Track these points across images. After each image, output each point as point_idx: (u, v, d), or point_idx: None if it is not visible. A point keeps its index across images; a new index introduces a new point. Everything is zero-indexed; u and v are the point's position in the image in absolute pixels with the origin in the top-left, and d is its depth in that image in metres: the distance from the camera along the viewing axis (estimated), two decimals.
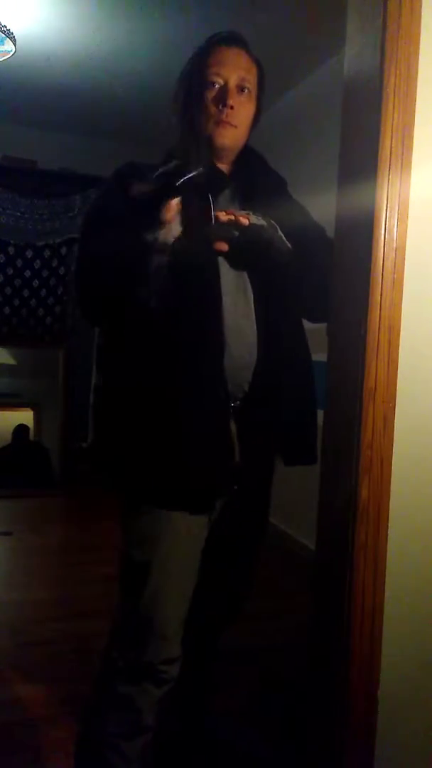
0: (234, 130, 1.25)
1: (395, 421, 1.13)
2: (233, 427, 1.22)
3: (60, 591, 2.74)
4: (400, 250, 1.11)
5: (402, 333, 1.12)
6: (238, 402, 1.21)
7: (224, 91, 1.23)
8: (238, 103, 1.24)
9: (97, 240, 1.23)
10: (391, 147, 1.09)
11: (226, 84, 1.24)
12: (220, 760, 1.59)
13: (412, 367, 1.14)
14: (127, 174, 1.25)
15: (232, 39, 1.28)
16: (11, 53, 2.71)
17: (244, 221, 1.15)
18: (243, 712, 1.84)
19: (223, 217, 1.14)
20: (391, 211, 1.10)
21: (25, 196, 4.22)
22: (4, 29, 2.56)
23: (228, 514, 1.30)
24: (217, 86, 1.24)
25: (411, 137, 1.10)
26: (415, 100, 1.10)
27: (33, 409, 5.94)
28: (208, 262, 1.18)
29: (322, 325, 1.28)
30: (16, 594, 2.73)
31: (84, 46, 3.11)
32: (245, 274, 1.23)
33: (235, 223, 1.14)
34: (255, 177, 1.32)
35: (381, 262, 1.10)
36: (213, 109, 1.23)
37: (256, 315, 1.23)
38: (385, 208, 1.09)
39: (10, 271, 4.28)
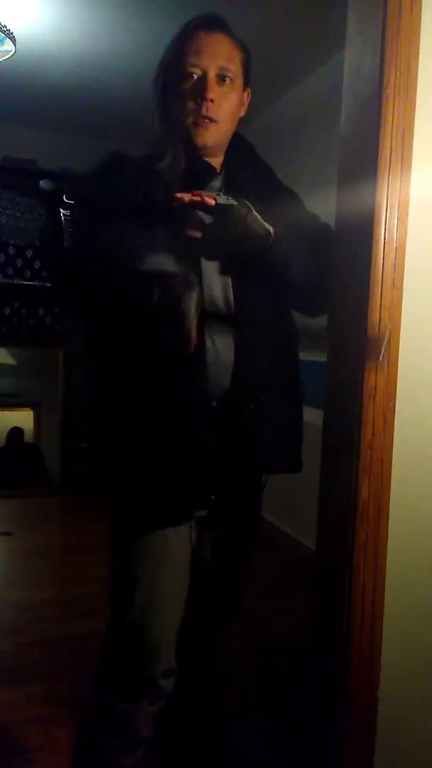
0: (215, 126, 1.14)
1: (395, 421, 1.13)
2: (209, 433, 1.17)
3: (60, 591, 2.74)
4: (400, 250, 1.11)
5: (402, 333, 1.12)
6: (214, 403, 1.16)
7: (203, 82, 1.12)
8: (219, 95, 1.12)
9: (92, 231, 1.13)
10: (391, 147, 1.09)
11: (204, 74, 1.12)
12: (220, 760, 1.59)
13: (412, 367, 1.14)
14: (116, 167, 1.19)
15: (211, 22, 1.15)
16: (11, 53, 2.71)
17: (210, 201, 1.06)
18: (243, 712, 1.84)
19: (186, 197, 1.04)
20: (391, 211, 1.10)
21: (25, 196, 4.22)
22: (4, 29, 2.56)
23: (218, 519, 1.27)
24: (195, 77, 1.12)
25: (411, 137, 1.10)
26: (415, 100, 1.10)
27: (32, 409, 5.94)
28: (187, 255, 1.10)
29: (323, 325, 1.28)
30: (16, 594, 2.73)
31: (84, 46, 3.11)
32: (227, 269, 1.17)
33: (201, 204, 1.06)
34: (245, 167, 1.24)
35: (381, 262, 1.10)
36: (191, 103, 1.12)
37: (235, 313, 1.17)
38: (385, 208, 1.09)
39: (10, 271, 4.28)
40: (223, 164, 1.24)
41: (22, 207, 4.24)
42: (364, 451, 1.11)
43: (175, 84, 1.13)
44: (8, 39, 2.61)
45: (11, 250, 4.26)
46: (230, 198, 1.10)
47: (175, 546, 1.18)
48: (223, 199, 1.09)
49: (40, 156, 4.24)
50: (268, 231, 1.12)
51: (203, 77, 1.12)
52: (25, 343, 4.53)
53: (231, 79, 1.14)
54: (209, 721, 1.60)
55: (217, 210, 1.08)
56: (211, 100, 1.12)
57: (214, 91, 1.12)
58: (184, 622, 1.23)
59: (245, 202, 1.11)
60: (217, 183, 1.22)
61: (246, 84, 1.20)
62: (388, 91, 1.08)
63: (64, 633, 2.30)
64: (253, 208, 1.11)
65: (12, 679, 2.01)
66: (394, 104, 1.08)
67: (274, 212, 1.16)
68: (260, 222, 1.11)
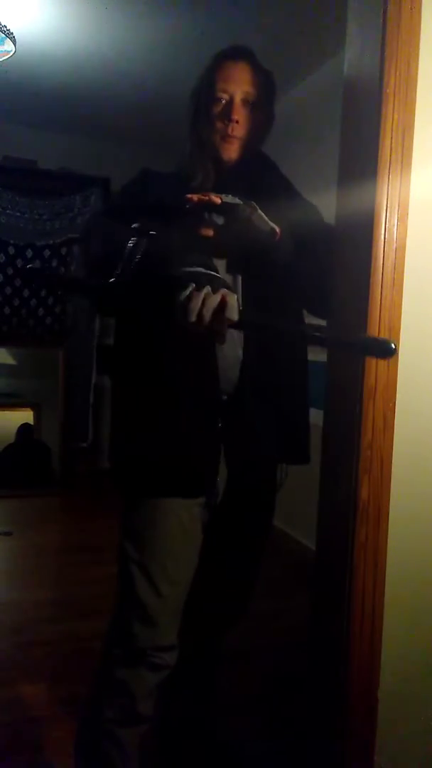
0: (239, 142, 1.28)
1: (395, 421, 1.13)
2: (220, 419, 1.23)
3: (60, 591, 2.74)
4: (400, 250, 1.11)
5: (402, 333, 1.12)
6: (225, 397, 1.22)
7: (229, 105, 1.27)
8: (243, 116, 1.27)
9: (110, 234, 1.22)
10: (391, 147, 1.09)
11: (231, 99, 1.27)
12: (220, 760, 1.59)
13: (412, 367, 1.14)
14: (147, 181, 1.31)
15: (237, 53, 1.30)
16: (11, 53, 2.71)
17: (216, 200, 1.15)
18: (243, 712, 1.84)
19: (195, 198, 1.15)
20: (391, 211, 1.10)
21: (25, 196, 4.21)
22: (4, 29, 2.56)
23: (229, 514, 1.30)
24: (223, 101, 1.27)
25: (411, 137, 1.10)
26: (415, 100, 1.10)
27: (33, 409, 5.94)
28: (200, 256, 1.16)
29: (322, 325, 1.28)
30: (16, 594, 2.73)
31: (84, 46, 3.11)
32: (237, 268, 1.23)
33: (208, 203, 1.15)
34: (265, 181, 1.34)
35: (381, 262, 1.10)
36: (219, 123, 1.27)
37: (244, 309, 1.21)
38: (385, 208, 1.09)
39: (10, 271, 4.27)
40: (245, 178, 1.33)
41: (22, 207, 4.24)
42: (364, 451, 1.11)
43: (207, 108, 1.28)
44: (8, 39, 2.61)
45: (11, 250, 4.26)
46: (236, 198, 1.17)
47: (180, 525, 1.21)
48: (228, 199, 1.16)
49: (40, 156, 4.24)
50: (273, 229, 1.18)
51: (230, 101, 1.27)
52: (25, 343, 4.53)
53: (254, 103, 1.28)
54: (209, 721, 1.61)
55: (223, 208, 1.16)
56: (237, 121, 1.26)
57: (239, 113, 1.27)
58: (190, 613, 1.26)
59: (251, 202, 1.17)
60: (237, 193, 1.29)
61: (270, 106, 1.33)
62: (388, 91, 1.08)
63: (64, 633, 2.30)
64: (258, 208, 1.17)
65: (12, 679, 2.01)
66: (394, 104, 1.08)
67: (291, 219, 1.22)
68: (265, 221, 1.18)
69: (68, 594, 2.66)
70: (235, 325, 1.03)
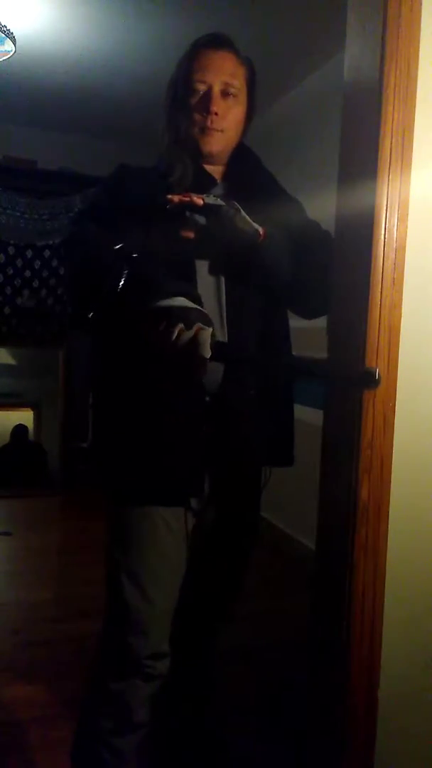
0: (220, 135, 1.23)
1: (395, 421, 1.13)
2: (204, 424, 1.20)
3: (60, 591, 2.74)
4: (400, 250, 1.11)
5: (402, 333, 1.12)
6: (208, 398, 1.20)
7: (208, 97, 1.21)
8: (223, 108, 1.22)
9: (95, 243, 1.20)
10: (391, 147, 1.09)
11: (210, 90, 1.21)
12: (219, 760, 1.59)
13: (412, 367, 1.14)
14: (125, 177, 1.26)
15: (217, 41, 1.24)
16: (11, 53, 2.71)
17: (198, 201, 1.13)
18: (243, 712, 1.84)
19: (176, 198, 1.12)
20: (391, 211, 1.10)
21: (25, 196, 4.22)
22: (4, 29, 2.56)
23: (215, 512, 1.29)
24: (200, 92, 1.21)
25: (411, 137, 1.10)
26: (415, 101, 1.10)
27: (33, 409, 5.94)
28: (184, 259, 1.16)
29: (323, 325, 1.28)
30: (16, 594, 2.73)
31: (84, 46, 3.11)
32: (219, 270, 1.21)
33: (190, 204, 1.13)
34: (247, 176, 1.30)
35: (381, 262, 1.10)
36: (197, 116, 1.21)
37: (227, 311, 1.20)
38: (385, 208, 1.09)
39: (10, 271, 4.28)
40: (226, 173, 1.30)
41: (22, 207, 4.24)
42: (364, 451, 1.11)
43: (184, 99, 1.23)
44: (8, 39, 2.61)
45: (11, 250, 4.26)
46: (219, 199, 1.16)
47: (167, 531, 1.20)
48: (211, 200, 1.15)
49: (40, 156, 4.24)
50: (256, 231, 1.17)
51: (208, 92, 1.21)
52: (25, 343, 4.53)
53: (234, 94, 1.23)
54: (209, 720, 1.61)
55: (206, 209, 1.15)
56: (216, 113, 1.21)
57: (218, 105, 1.21)
58: (181, 615, 1.25)
59: (234, 203, 1.16)
60: (218, 190, 1.27)
61: (251, 97, 1.28)
62: (388, 91, 1.08)
63: (64, 633, 2.30)
64: (241, 209, 1.16)
65: (12, 679, 2.01)
66: (394, 104, 1.08)
67: (274, 218, 1.21)
68: (249, 222, 1.17)
69: (68, 594, 2.66)
70: (217, 358, 1.05)
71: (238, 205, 1.16)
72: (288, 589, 2.73)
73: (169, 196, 1.13)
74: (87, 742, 1.27)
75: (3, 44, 2.64)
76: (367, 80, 1.12)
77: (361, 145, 1.14)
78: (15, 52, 2.71)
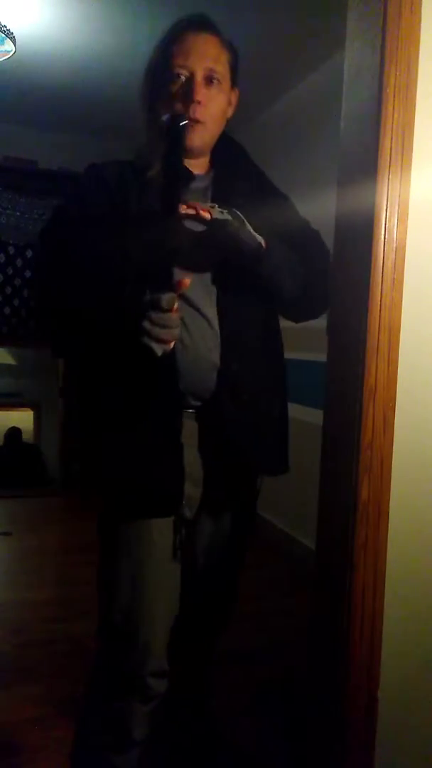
0: (202, 127, 1.14)
1: (395, 421, 1.13)
2: (194, 429, 1.17)
3: (60, 591, 2.74)
4: (400, 250, 1.11)
5: (402, 333, 1.12)
6: (199, 403, 1.16)
7: (190, 84, 1.11)
8: (207, 97, 1.12)
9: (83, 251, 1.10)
10: (391, 147, 1.09)
11: (192, 76, 1.11)
12: (220, 760, 1.59)
13: (412, 367, 1.14)
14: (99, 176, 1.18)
15: (199, 24, 1.15)
16: (11, 53, 2.71)
17: (206, 215, 1.05)
18: (243, 712, 1.84)
19: (184, 209, 1.03)
20: (391, 211, 1.10)
21: (25, 196, 4.22)
22: (4, 29, 2.56)
23: (208, 521, 1.26)
24: (182, 79, 1.11)
25: (411, 137, 1.10)
26: (415, 100, 1.10)
27: (33, 409, 5.94)
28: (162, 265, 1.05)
29: (322, 325, 1.28)
30: (16, 594, 2.73)
31: (84, 46, 3.11)
32: (213, 278, 1.16)
33: (197, 218, 1.05)
34: (233, 171, 1.22)
35: (381, 262, 1.10)
36: (179, 105, 1.11)
37: (219, 315, 1.15)
38: (385, 208, 1.09)
39: (10, 271, 4.28)
40: (211, 165, 1.24)
41: (22, 207, 4.24)
42: (364, 451, 1.11)
43: (163, 87, 1.13)
44: (8, 39, 2.61)
45: (11, 250, 4.26)
46: (225, 212, 1.10)
47: (159, 545, 1.17)
48: (217, 213, 1.08)
49: (40, 156, 4.24)
50: (259, 244, 1.12)
51: (190, 79, 1.11)
52: (25, 343, 4.53)
53: (218, 81, 1.13)
54: (209, 721, 1.61)
55: (213, 224, 1.08)
56: (199, 102, 1.11)
57: (201, 93, 1.11)
58: (178, 624, 1.22)
59: (238, 215, 1.10)
60: (203, 183, 1.21)
61: (234, 84, 1.18)
62: (388, 91, 1.08)
63: (64, 633, 2.30)
64: (246, 221, 1.10)
65: (12, 679, 2.01)
66: (394, 104, 1.08)
67: (264, 216, 1.15)
68: (253, 235, 1.11)
69: (68, 594, 2.66)
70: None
71: (242, 218, 1.10)
72: (288, 589, 2.73)
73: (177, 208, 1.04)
74: (86, 759, 1.24)
75: (3, 44, 2.64)
76: (367, 80, 1.12)
77: (361, 145, 1.14)
78: (15, 52, 2.72)
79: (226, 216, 1.09)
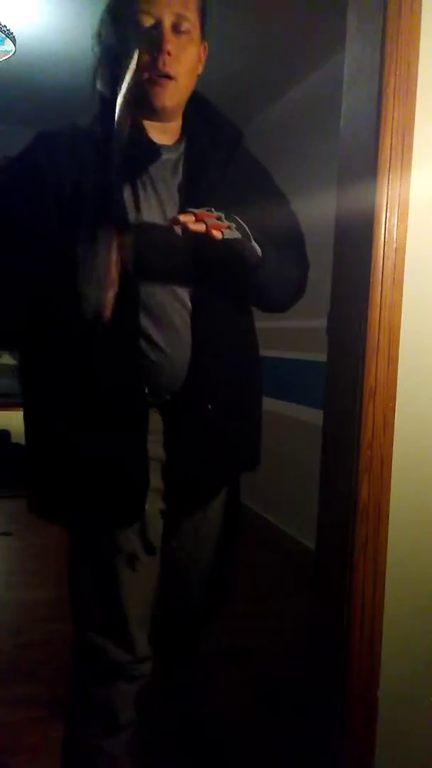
0: (174, 84, 1.00)
1: (395, 421, 1.13)
2: (161, 424, 1.09)
3: (60, 591, 2.73)
4: (400, 250, 1.11)
5: (402, 333, 1.12)
6: (168, 396, 1.08)
7: (158, 32, 0.97)
8: (177, 47, 0.98)
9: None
10: (391, 147, 1.09)
11: (159, 23, 0.97)
12: (218, 760, 1.59)
13: (412, 367, 1.14)
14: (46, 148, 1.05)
15: None
16: (11, 53, 2.71)
17: (217, 235, 0.93)
18: (242, 712, 1.84)
19: (192, 226, 0.91)
20: (391, 211, 1.10)
21: None
22: (4, 29, 2.56)
23: (182, 513, 1.20)
24: (147, 26, 0.98)
25: (411, 137, 1.10)
26: (415, 100, 1.10)
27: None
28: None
29: (322, 325, 1.28)
30: (16, 594, 2.73)
31: (84, 46, 3.10)
32: (190, 279, 1.07)
33: (206, 236, 0.93)
34: (207, 138, 1.09)
35: (381, 262, 1.10)
36: (145, 57, 0.97)
37: (192, 307, 1.06)
38: (385, 208, 1.09)
39: None
40: (182, 131, 1.10)
41: None
42: (364, 451, 1.11)
43: (124, 35, 0.99)
44: (8, 39, 2.61)
45: None
46: (235, 229, 0.98)
47: (127, 545, 1.13)
48: (229, 234, 0.97)
49: None
50: (258, 258, 1.05)
51: (158, 26, 0.98)
52: None
53: (188, 30, 1.00)
54: (207, 720, 1.60)
55: (222, 245, 0.96)
56: (169, 53, 0.97)
57: (171, 43, 0.98)
58: (161, 615, 1.21)
59: (243, 226, 1.01)
60: (173, 155, 1.08)
61: (203, 35, 1.05)
62: (388, 91, 1.08)
63: (64, 633, 2.29)
64: (251, 235, 1.02)
65: (12, 679, 2.01)
66: (394, 104, 1.08)
67: (247, 201, 1.07)
68: (255, 251, 1.04)
69: (68, 594, 2.66)
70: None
71: (247, 230, 1.00)
72: (288, 589, 2.73)
73: (175, 217, 0.92)
74: (76, 749, 1.24)
75: (3, 44, 2.64)
76: (367, 80, 1.12)
77: (361, 145, 1.14)
78: (15, 52, 2.72)
79: (235, 234, 0.98)
